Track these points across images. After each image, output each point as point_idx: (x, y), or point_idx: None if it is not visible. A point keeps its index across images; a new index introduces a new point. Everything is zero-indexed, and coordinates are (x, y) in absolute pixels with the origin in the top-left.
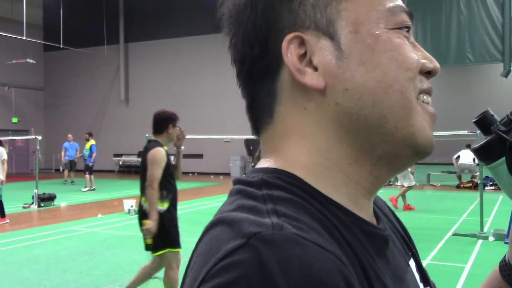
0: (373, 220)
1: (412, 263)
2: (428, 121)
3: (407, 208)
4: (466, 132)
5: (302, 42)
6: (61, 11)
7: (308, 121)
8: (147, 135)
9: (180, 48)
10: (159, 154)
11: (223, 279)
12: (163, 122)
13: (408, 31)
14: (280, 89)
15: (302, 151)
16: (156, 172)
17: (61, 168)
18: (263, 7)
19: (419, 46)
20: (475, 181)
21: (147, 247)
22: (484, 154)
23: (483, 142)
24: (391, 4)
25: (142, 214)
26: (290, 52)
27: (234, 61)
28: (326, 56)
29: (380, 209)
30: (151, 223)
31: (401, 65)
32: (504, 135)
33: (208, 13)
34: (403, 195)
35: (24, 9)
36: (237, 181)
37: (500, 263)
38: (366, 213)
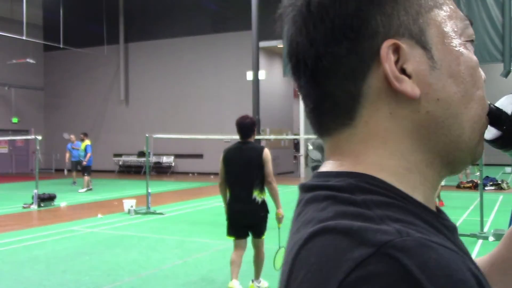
0: None
1: None
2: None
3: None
4: None
5: (396, 49)
6: (61, 11)
7: (394, 126)
8: (147, 135)
9: (180, 48)
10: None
11: None
12: (252, 126)
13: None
14: (366, 92)
15: (385, 154)
16: (272, 169)
17: (65, 171)
18: (356, 5)
19: None
20: (475, 181)
21: (260, 234)
22: (505, 143)
23: (503, 132)
24: (463, 16)
25: (256, 205)
26: (389, 59)
27: (303, 56)
28: (420, 65)
29: None
30: (282, 211)
31: (476, 83)
32: None
33: (208, 13)
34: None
35: (24, 9)
36: (314, 187)
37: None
38: (434, 210)
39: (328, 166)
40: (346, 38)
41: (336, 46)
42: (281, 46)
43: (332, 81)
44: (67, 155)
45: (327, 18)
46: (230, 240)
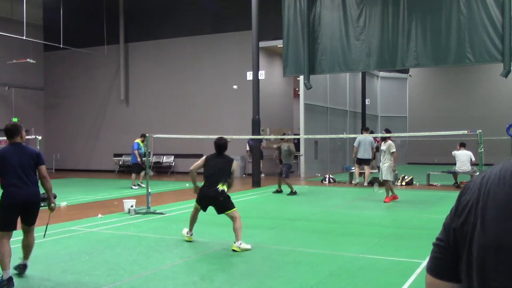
0: None
1: None
2: None
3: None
4: (465, 132)
5: None
6: (61, 11)
7: None
8: (147, 135)
9: (180, 48)
10: None
11: None
12: (226, 145)
13: None
14: None
15: None
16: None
17: None
18: None
19: None
20: None
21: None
22: None
23: None
24: None
25: (222, 193)
26: None
27: None
28: None
29: None
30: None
31: None
32: None
33: (208, 13)
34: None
35: (24, 9)
36: None
37: None
38: None
39: None
40: None
41: None
42: (281, 46)
43: None
44: None
45: None
46: (231, 240)
